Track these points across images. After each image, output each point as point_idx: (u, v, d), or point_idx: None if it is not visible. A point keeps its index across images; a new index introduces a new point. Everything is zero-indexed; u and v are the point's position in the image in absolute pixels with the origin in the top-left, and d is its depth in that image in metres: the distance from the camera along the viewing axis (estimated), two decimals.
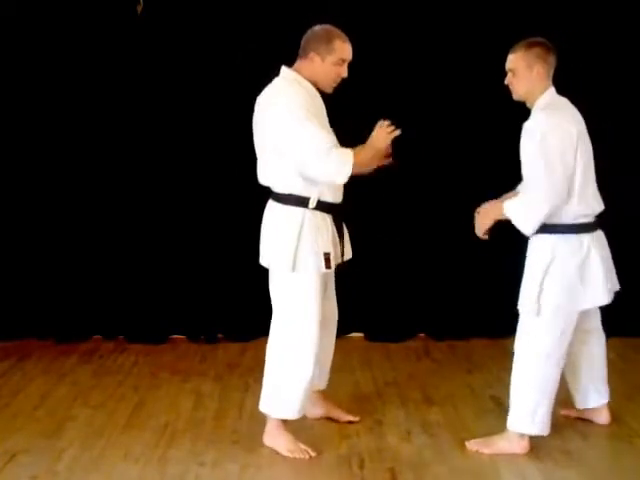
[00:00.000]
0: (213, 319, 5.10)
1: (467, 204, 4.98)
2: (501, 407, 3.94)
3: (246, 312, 5.01)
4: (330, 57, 3.28)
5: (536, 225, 3.25)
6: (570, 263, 3.30)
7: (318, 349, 3.41)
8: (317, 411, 3.79)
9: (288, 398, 3.41)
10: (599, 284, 3.37)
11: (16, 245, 5.05)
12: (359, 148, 3.25)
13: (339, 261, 3.49)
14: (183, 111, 4.92)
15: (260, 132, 3.33)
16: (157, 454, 3.45)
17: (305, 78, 3.32)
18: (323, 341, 3.53)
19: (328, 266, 3.33)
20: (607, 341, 4.94)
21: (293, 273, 3.31)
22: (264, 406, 3.47)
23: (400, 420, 3.82)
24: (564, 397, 3.67)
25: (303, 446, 3.44)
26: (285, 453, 3.42)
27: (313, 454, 3.42)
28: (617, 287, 3.56)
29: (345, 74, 3.34)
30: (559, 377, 3.42)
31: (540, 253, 3.34)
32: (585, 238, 3.33)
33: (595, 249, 3.36)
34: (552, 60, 3.33)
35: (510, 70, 3.35)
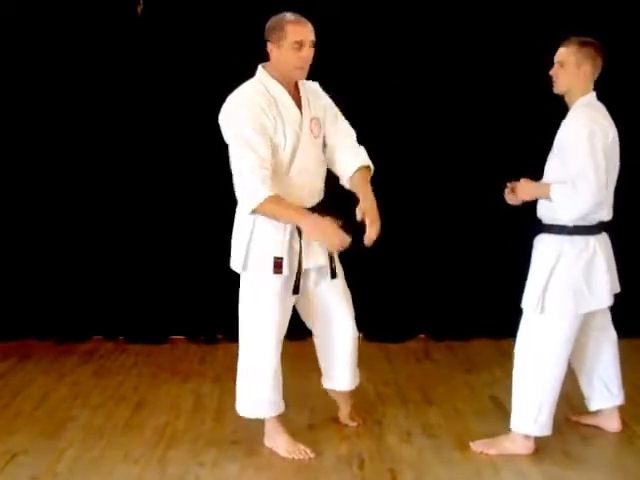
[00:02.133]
0: (213, 319, 5.10)
1: (467, 205, 5.02)
2: (501, 407, 3.95)
3: None
4: (284, 42, 3.15)
5: (578, 216, 3.25)
6: (576, 264, 3.32)
7: (276, 353, 3.39)
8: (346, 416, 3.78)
9: (255, 398, 3.44)
10: (603, 286, 3.39)
11: (16, 245, 5.05)
12: (295, 209, 3.12)
13: (315, 265, 3.39)
14: (182, 111, 4.92)
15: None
16: (157, 454, 3.45)
17: (272, 75, 3.22)
18: (328, 344, 3.57)
19: (277, 271, 3.24)
20: None
21: (246, 273, 3.33)
22: (239, 408, 3.50)
23: (400, 421, 3.82)
24: (576, 402, 3.67)
25: (302, 447, 3.45)
26: (284, 454, 3.43)
27: (312, 455, 3.42)
28: (618, 289, 3.56)
29: (308, 56, 3.17)
30: (562, 378, 3.41)
31: (546, 253, 3.34)
32: (591, 240, 3.35)
33: (600, 251, 3.37)
34: (600, 63, 3.34)
35: (558, 62, 3.35)
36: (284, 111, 3.21)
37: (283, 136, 3.19)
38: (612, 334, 3.68)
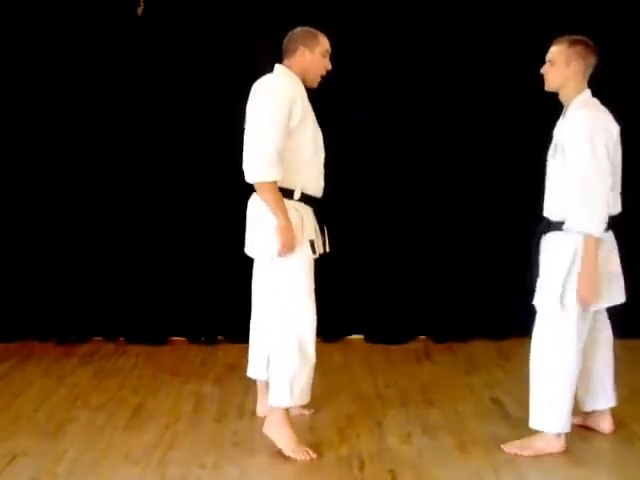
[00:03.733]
0: (213, 321, 5.10)
1: (468, 206, 5.02)
2: (501, 408, 3.95)
3: (246, 314, 5.00)
4: (318, 48, 3.49)
5: (605, 222, 3.26)
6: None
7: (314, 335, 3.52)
8: (263, 408, 3.77)
9: (293, 386, 3.44)
10: (619, 282, 3.43)
11: (16, 247, 5.05)
12: (284, 208, 3.34)
13: (321, 252, 3.59)
14: (182, 111, 4.93)
15: (249, 118, 3.47)
16: (157, 456, 3.45)
17: (295, 73, 3.49)
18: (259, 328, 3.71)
19: (313, 251, 3.47)
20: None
21: (283, 260, 3.40)
22: (274, 399, 3.46)
23: (400, 422, 3.82)
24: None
25: (305, 447, 3.45)
26: (288, 453, 3.43)
27: (314, 455, 3.42)
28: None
29: (329, 64, 3.54)
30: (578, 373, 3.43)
31: (563, 250, 3.33)
32: (606, 236, 3.36)
33: (614, 247, 3.41)
34: (592, 61, 3.36)
35: (549, 60, 3.39)
36: (307, 104, 3.45)
37: (307, 129, 3.41)
38: (609, 334, 3.68)
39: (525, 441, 3.47)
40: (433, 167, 5.01)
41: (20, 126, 4.96)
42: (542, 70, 3.42)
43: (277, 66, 3.54)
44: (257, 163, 3.29)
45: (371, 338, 5.18)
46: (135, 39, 4.88)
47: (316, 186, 3.52)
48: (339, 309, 5.13)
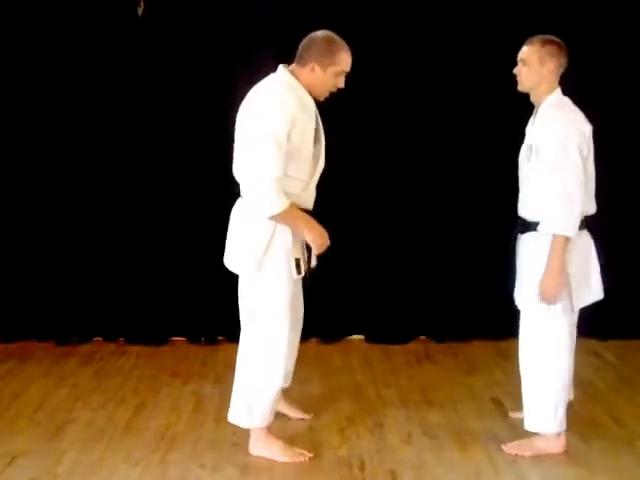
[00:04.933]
0: (213, 321, 5.10)
1: (467, 206, 5.02)
2: (501, 408, 3.96)
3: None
4: (332, 68, 3.25)
5: (578, 224, 3.25)
6: (573, 258, 3.32)
7: (289, 346, 3.42)
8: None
9: (259, 407, 3.38)
10: (598, 279, 3.43)
11: (17, 247, 5.05)
12: (301, 215, 3.25)
13: (308, 268, 3.43)
14: (182, 111, 4.92)
15: (242, 128, 3.29)
16: (157, 457, 3.45)
17: (301, 84, 3.28)
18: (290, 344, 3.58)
19: (299, 272, 3.33)
20: (606, 343, 5.01)
21: (262, 276, 3.29)
22: (234, 417, 3.43)
23: (400, 422, 3.82)
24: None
25: (298, 449, 3.44)
26: (282, 459, 3.40)
27: (310, 455, 3.42)
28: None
29: (342, 85, 3.33)
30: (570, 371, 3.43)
31: (542, 252, 3.31)
32: (583, 233, 3.36)
33: (592, 243, 3.41)
34: (563, 61, 3.37)
35: (521, 60, 3.38)
36: (308, 119, 3.26)
37: (309, 144, 3.27)
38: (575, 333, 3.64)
39: (525, 441, 3.47)
40: (433, 167, 5.00)
41: (20, 126, 4.96)
42: (515, 70, 3.42)
43: (280, 69, 3.32)
44: (266, 199, 3.13)
45: (371, 338, 5.18)
46: (135, 39, 4.88)
47: (309, 200, 3.40)
48: (339, 309, 5.13)
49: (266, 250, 3.26)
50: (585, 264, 3.38)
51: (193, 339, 5.15)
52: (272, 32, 4.83)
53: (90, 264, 5.05)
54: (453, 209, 5.03)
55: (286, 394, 3.86)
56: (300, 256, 3.34)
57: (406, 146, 5.01)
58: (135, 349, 4.99)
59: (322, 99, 3.37)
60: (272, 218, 3.19)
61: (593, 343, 4.90)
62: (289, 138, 3.14)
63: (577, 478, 3.25)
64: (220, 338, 5.14)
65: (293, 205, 3.19)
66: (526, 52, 3.37)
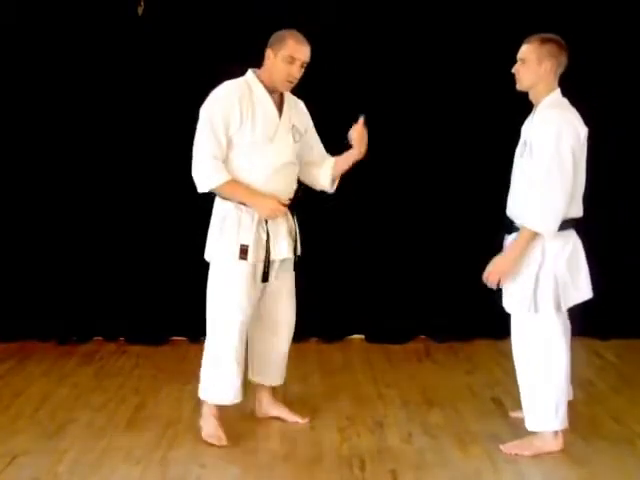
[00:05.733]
0: None
1: (467, 206, 5.02)
2: (501, 408, 3.96)
3: None
4: (281, 53, 3.40)
5: (557, 224, 3.24)
6: (560, 259, 3.33)
7: (239, 341, 3.52)
8: (264, 411, 3.84)
9: (220, 384, 3.57)
10: (586, 279, 3.42)
11: (17, 247, 5.05)
12: (244, 189, 3.44)
13: (280, 257, 3.57)
14: (182, 111, 4.91)
15: None
16: (158, 456, 3.45)
17: (262, 80, 3.48)
18: (266, 340, 3.70)
19: (243, 257, 3.45)
20: (607, 342, 5.01)
21: (214, 261, 3.53)
22: (201, 392, 3.64)
23: (401, 421, 3.82)
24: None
25: (221, 434, 3.55)
26: (203, 437, 3.57)
27: (224, 442, 3.52)
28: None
29: (296, 74, 3.43)
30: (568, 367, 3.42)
31: (531, 251, 3.32)
32: (570, 234, 3.36)
33: (579, 243, 3.40)
34: (563, 60, 3.35)
35: (520, 59, 3.37)
36: (260, 111, 3.45)
37: (251, 131, 3.42)
38: (569, 334, 3.64)
39: (524, 441, 3.47)
40: (434, 166, 5.01)
41: (20, 126, 4.96)
42: (514, 69, 3.40)
43: (248, 72, 3.53)
44: (202, 173, 3.41)
45: (371, 338, 5.18)
46: (135, 39, 4.88)
47: (266, 188, 3.46)
48: (339, 309, 5.14)
49: (218, 237, 3.51)
50: (572, 264, 3.36)
51: (193, 339, 5.15)
52: (272, 32, 4.83)
53: (90, 264, 5.06)
54: (453, 209, 5.03)
55: (284, 397, 3.86)
56: (250, 243, 3.44)
57: (407, 146, 5.01)
58: (135, 349, 4.99)
59: (284, 89, 3.50)
60: (220, 196, 3.47)
61: (594, 343, 4.90)
62: (229, 123, 3.38)
63: (577, 478, 3.25)
64: None
65: (234, 181, 3.40)
66: (525, 51, 3.36)
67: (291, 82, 3.45)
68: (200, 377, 3.63)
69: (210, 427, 3.60)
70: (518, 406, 3.69)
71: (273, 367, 3.79)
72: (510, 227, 3.44)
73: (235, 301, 3.49)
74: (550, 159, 3.21)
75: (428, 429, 3.72)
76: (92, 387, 4.32)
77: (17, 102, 4.94)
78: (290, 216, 3.61)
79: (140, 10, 4.86)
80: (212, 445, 3.55)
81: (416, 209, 5.04)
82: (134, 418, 3.87)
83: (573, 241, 3.38)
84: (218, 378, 3.56)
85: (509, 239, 3.45)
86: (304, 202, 5.06)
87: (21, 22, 4.87)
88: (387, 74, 4.95)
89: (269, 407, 3.83)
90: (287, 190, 3.57)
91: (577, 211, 3.37)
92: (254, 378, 3.84)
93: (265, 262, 3.49)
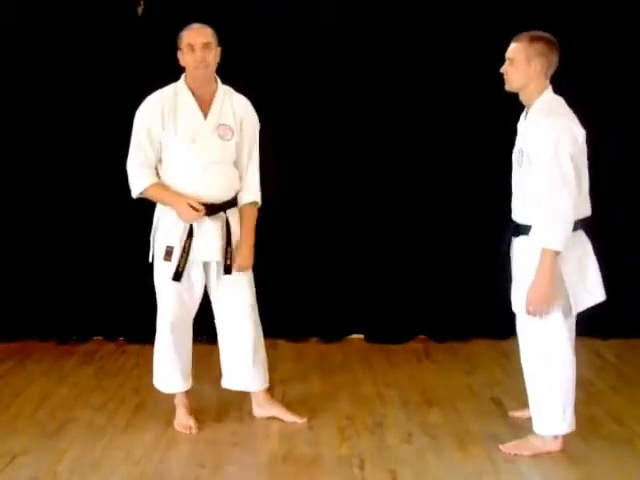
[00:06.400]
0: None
1: (467, 206, 5.02)
2: (501, 408, 3.96)
3: None
4: (181, 46, 3.56)
5: (568, 238, 3.18)
6: (569, 262, 3.28)
7: (171, 336, 3.71)
8: (261, 410, 3.83)
9: (161, 374, 3.79)
10: (597, 281, 3.38)
11: (17, 246, 5.05)
12: (168, 194, 3.55)
13: (204, 259, 3.62)
14: None
15: None
16: (157, 456, 3.45)
17: (187, 82, 3.60)
18: (225, 343, 3.80)
19: (167, 258, 3.57)
20: (607, 342, 5.01)
21: (151, 262, 3.67)
22: (154, 380, 3.84)
23: (401, 421, 3.82)
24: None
25: (191, 423, 3.70)
26: (177, 428, 3.71)
27: (194, 431, 3.66)
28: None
29: (199, 56, 3.51)
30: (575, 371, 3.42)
31: (536, 257, 3.25)
32: (577, 236, 3.31)
33: (588, 246, 3.36)
34: (554, 59, 3.25)
35: (508, 59, 3.27)
36: (183, 113, 3.55)
37: (174, 135, 3.52)
38: (574, 336, 3.63)
39: (523, 441, 3.47)
40: (434, 166, 5.01)
41: (20, 126, 4.96)
42: (502, 69, 3.31)
43: (182, 75, 3.65)
44: (129, 181, 3.62)
45: (371, 338, 5.18)
46: (135, 39, 4.88)
47: (192, 190, 3.50)
48: (339, 309, 5.14)
49: (152, 239, 3.67)
50: (582, 267, 3.33)
51: (193, 339, 5.13)
52: (272, 32, 4.84)
53: (90, 263, 5.06)
54: (453, 209, 5.03)
55: (284, 397, 3.85)
56: (175, 244, 3.55)
57: (409, 147, 5.01)
58: (135, 348, 4.98)
59: (199, 75, 3.55)
60: (144, 195, 3.61)
61: (594, 342, 4.90)
62: (151, 128, 3.54)
63: (577, 478, 3.25)
64: None
65: (158, 185, 3.55)
66: (513, 50, 3.25)
67: (198, 67, 3.52)
68: (154, 369, 3.83)
69: (180, 416, 3.76)
70: (518, 406, 3.70)
71: (239, 373, 3.78)
72: (516, 230, 3.39)
73: (164, 302, 3.67)
74: (551, 172, 3.13)
75: (428, 429, 3.72)
76: (92, 387, 4.32)
77: (17, 102, 4.94)
78: (224, 220, 3.59)
79: (140, 10, 4.86)
80: (213, 445, 3.55)
81: (416, 209, 5.04)
82: (134, 418, 3.88)
83: (582, 243, 3.33)
84: (160, 370, 3.78)
85: (516, 242, 3.41)
86: (304, 202, 5.09)
87: (21, 22, 4.87)
88: (388, 74, 4.95)
89: (266, 407, 3.82)
90: (217, 191, 3.56)
91: (583, 211, 3.32)
92: (224, 384, 3.87)
93: (180, 262, 3.55)
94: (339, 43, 4.91)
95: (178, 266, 3.56)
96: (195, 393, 4.21)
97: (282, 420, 3.79)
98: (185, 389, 3.82)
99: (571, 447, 3.47)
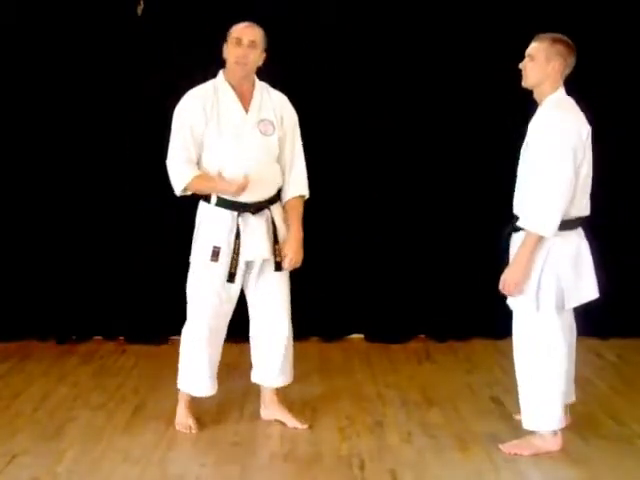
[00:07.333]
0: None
1: (467, 205, 5.02)
2: (501, 408, 3.96)
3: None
4: (228, 39, 3.54)
5: (557, 226, 3.23)
6: (564, 258, 3.33)
7: (208, 339, 3.62)
8: (268, 413, 3.83)
9: (190, 376, 3.69)
10: (591, 278, 3.42)
11: (17, 246, 5.05)
12: (211, 177, 3.48)
13: (252, 258, 3.58)
14: None
15: None
16: (157, 456, 3.45)
17: (226, 77, 3.56)
18: (262, 342, 3.74)
19: (214, 259, 3.51)
20: (607, 342, 5.01)
21: (192, 264, 3.62)
22: (178, 381, 3.75)
23: (400, 421, 3.82)
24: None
25: (191, 423, 3.67)
26: (177, 427, 3.69)
27: (194, 431, 3.64)
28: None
29: (243, 52, 3.49)
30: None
31: (536, 251, 3.31)
32: (573, 233, 3.36)
33: (584, 243, 3.40)
34: (571, 61, 3.37)
35: (529, 56, 3.38)
36: (225, 109, 3.52)
37: (217, 131, 3.49)
38: (574, 333, 3.64)
39: (522, 441, 3.47)
40: (433, 165, 5.01)
41: (20, 126, 4.96)
42: (521, 65, 3.41)
43: (219, 71, 3.61)
44: (171, 178, 3.54)
45: (371, 337, 5.18)
46: (135, 38, 4.88)
47: (250, 188, 3.45)
48: (339, 309, 5.14)
49: (195, 239, 3.61)
50: (576, 264, 3.36)
51: None
52: (272, 31, 4.82)
53: (90, 263, 5.06)
54: (453, 208, 5.03)
55: (284, 397, 3.85)
56: (222, 245, 3.49)
57: (409, 146, 5.01)
58: (135, 348, 4.99)
59: (238, 72, 3.52)
60: (189, 189, 3.54)
61: (593, 342, 4.90)
62: (193, 125, 3.49)
63: (577, 477, 3.25)
64: None
65: (202, 175, 3.49)
66: (534, 48, 3.37)
67: (240, 63, 3.49)
68: (180, 369, 3.75)
69: (180, 415, 3.72)
70: (518, 406, 3.68)
71: (269, 369, 3.77)
72: (514, 226, 3.43)
73: (204, 302, 3.59)
74: (549, 160, 3.21)
75: (428, 429, 3.72)
76: (92, 387, 4.32)
77: (16, 102, 4.94)
78: (270, 217, 3.58)
79: (139, 10, 4.85)
80: (213, 445, 3.55)
81: (416, 209, 5.04)
82: (134, 418, 3.87)
83: (577, 241, 3.38)
84: (189, 372, 3.69)
85: (514, 238, 3.44)
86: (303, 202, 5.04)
87: (21, 22, 4.87)
88: (387, 74, 4.95)
89: (272, 408, 3.81)
90: (260, 187, 3.53)
91: (582, 210, 3.37)
92: (254, 379, 3.84)
93: (232, 263, 3.51)
94: (339, 43, 4.91)
95: (231, 267, 3.51)
96: None
97: (284, 423, 3.78)
98: (213, 393, 3.75)
99: (571, 447, 3.47)
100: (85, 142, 4.97)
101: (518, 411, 3.77)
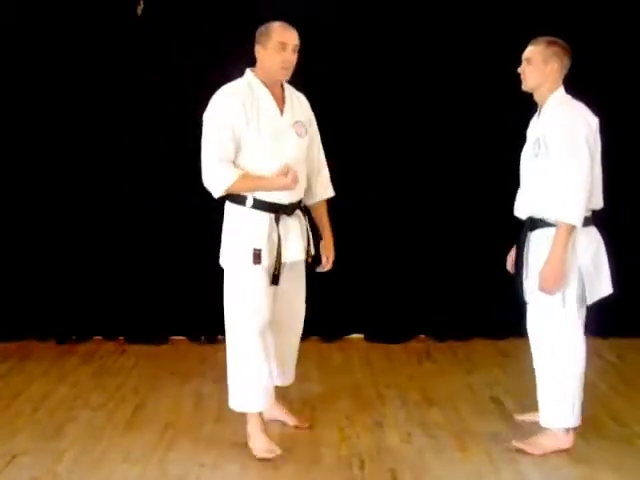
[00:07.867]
0: (213, 320, 5.06)
1: (468, 205, 5.02)
2: (501, 407, 3.95)
3: None
4: (269, 43, 3.38)
5: (584, 212, 3.28)
6: (587, 253, 3.37)
7: (262, 344, 3.44)
8: (272, 413, 3.77)
9: (248, 391, 3.46)
10: (608, 273, 3.47)
11: (17, 246, 5.05)
12: (259, 176, 3.37)
13: (291, 260, 3.51)
14: (182, 111, 4.92)
15: None
16: (157, 455, 3.45)
17: (259, 78, 3.43)
18: (278, 340, 3.63)
19: (257, 261, 3.38)
20: (607, 341, 5.01)
21: (227, 267, 3.47)
22: (232, 403, 3.52)
23: (400, 421, 3.82)
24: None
25: (273, 446, 3.44)
26: (257, 456, 3.42)
27: (279, 452, 3.41)
28: None
29: (290, 57, 3.39)
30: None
31: None
32: (593, 229, 3.42)
33: (600, 242, 3.44)
34: (567, 62, 3.42)
35: (526, 59, 3.43)
36: (263, 109, 3.41)
37: (257, 132, 3.37)
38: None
39: (534, 440, 3.46)
40: (434, 166, 5.01)
41: (20, 127, 4.96)
42: (519, 69, 3.46)
43: (246, 71, 3.49)
44: (211, 179, 3.38)
45: (371, 337, 5.18)
46: (135, 38, 4.88)
47: (276, 193, 3.40)
48: (339, 309, 5.13)
49: (231, 242, 3.44)
50: (596, 259, 3.41)
51: (193, 338, 5.15)
52: None
53: (90, 263, 5.06)
54: (454, 208, 5.03)
55: (284, 397, 3.85)
56: (262, 247, 3.38)
57: (409, 146, 5.01)
58: (135, 348, 4.99)
59: (283, 77, 3.44)
60: (235, 197, 3.39)
61: (594, 342, 4.87)
62: (233, 124, 3.33)
63: (577, 477, 3.25)
64: (220, 337, 5.10)
65: (246, 175, 3.34)
66: (531, 51, 3.42)
67: (287, 68, 3.40)
68: (229, 389, 3.51)
69: (259, 441, 3.47)
70: (518, 406, 3.69)
71: (286, 367, 3.77)
72: (532, 225, 3.45)
73: (253, 306, 3.42)
74: (567, 152, 3.26)
75: (428, 429, 3.72)
76: (91, 387, 4.32)
77: (17, 102, 4.94)
78: (302, 217, 3.58)
79: (139, 10, 4.85)
80: (213, 445, 3.55)
81: (416, 209, 5.04)
82: (134, 418, 3.87)
83: (594, 236, 3.43)
84: (252, 387, 3.46)
85: (532, 236, 3.44)
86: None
87: (21, 22, 4.87)
88: (387, 74, 4.95)
89: (272, 409, 3.80)
90: (297, 187, 3.45)
91: (597, 202, 3.43)
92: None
93: (276, 265, 3.43)
94: (339, 44, 4.91)
95: (275, 269, 3.42)
96: (195, 392, 4.21)
97: (285, 423, 3.78)
98: (270, 404, 3.59)
99: (571, 447, 3.46)
100: (85, 142, 4.97)
101: (518, 411, 3.77)
